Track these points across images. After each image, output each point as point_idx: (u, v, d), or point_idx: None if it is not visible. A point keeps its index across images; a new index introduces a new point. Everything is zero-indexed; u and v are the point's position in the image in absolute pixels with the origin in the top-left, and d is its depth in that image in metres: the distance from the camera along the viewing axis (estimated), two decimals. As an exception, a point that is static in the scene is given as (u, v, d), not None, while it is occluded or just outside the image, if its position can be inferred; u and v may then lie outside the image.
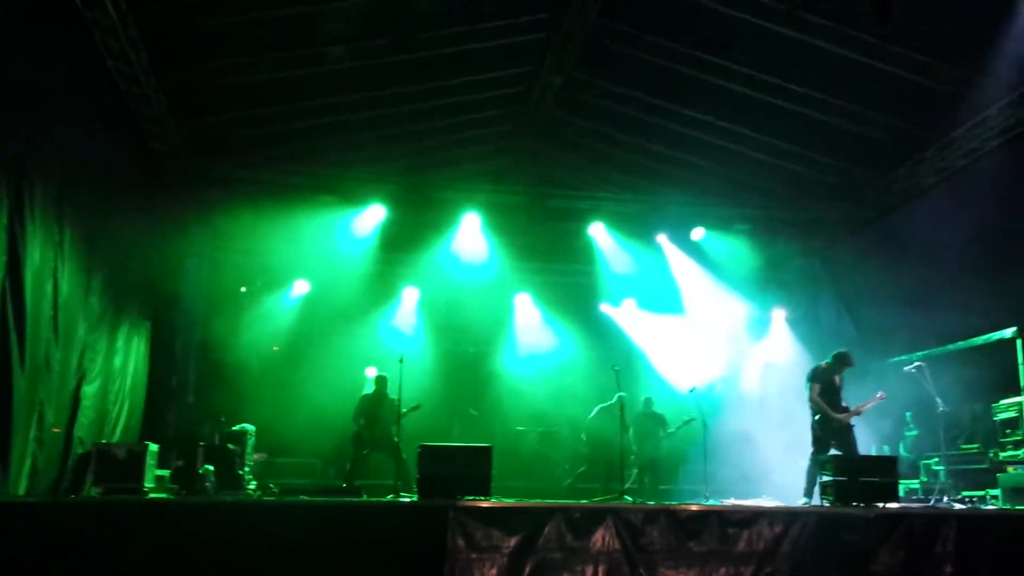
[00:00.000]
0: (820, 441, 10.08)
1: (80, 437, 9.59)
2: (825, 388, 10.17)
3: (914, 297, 12.35)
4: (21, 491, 7.98)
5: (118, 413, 11.12)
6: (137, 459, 8.65)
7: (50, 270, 8.63)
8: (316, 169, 13.68)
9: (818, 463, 9.78)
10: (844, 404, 10.18)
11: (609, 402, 13.53)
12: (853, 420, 10.16)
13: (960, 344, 12.42)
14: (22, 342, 7.84)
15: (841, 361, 10.36)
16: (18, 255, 7.81)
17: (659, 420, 13.45)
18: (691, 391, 12.12)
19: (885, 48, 10.62)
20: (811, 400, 10.18)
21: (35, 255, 8.17)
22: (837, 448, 9.98)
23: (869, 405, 10.28)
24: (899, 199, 13.37)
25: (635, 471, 12.93)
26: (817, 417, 10.14)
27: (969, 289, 11.62)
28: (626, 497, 10.15)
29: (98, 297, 10.25)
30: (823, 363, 10.44)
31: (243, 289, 14.51)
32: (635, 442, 13.10)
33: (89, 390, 9.93)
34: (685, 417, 12.64)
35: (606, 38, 11.67)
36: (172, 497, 9.30)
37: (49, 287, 8.63)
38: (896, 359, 12.89)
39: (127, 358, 11.56)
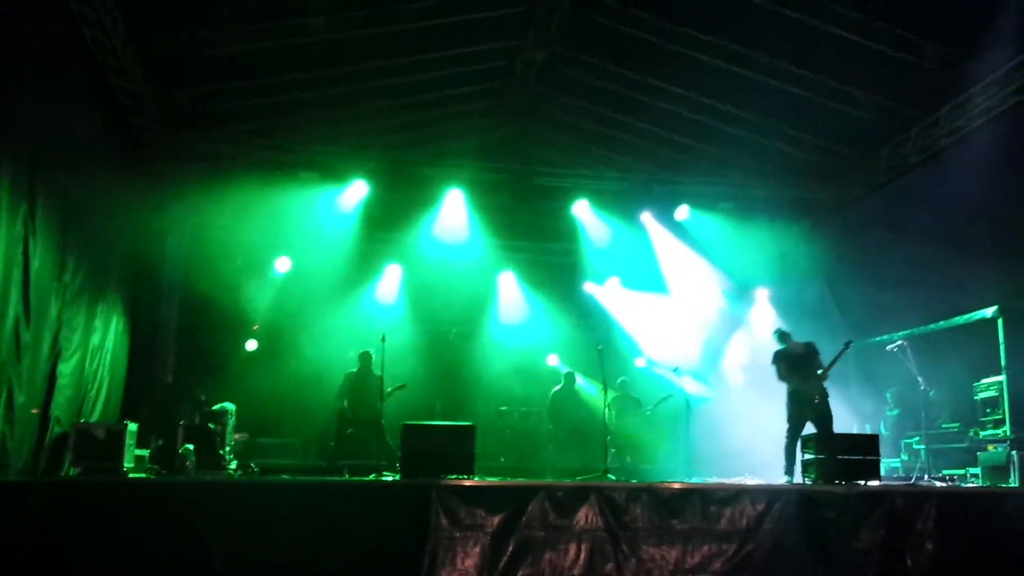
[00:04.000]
0: (793, 417, 10.12)
1: (57, 416, 9.45)
2: (788, 364, 10.30)
3: (897, 277, 12.37)
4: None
5: (96, 392, 10.97)
6: (116, 438, 8.58)
7: (19, 244, 8.44)
8: (296, 145, 13.49)
9: (795, 440, 9.87)
10: (812, 373, 10.16)
11: (558, 385, 13.62)
12: (827, 388, 10.14)
13: (942, 324, 12.46)
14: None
15: (780, 339, 10.60)
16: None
17: (634, 402, 13.53)
18: (675, 370, 12.13)
19: (871, 25, 10.59)
20: (780, 380, 10.31)
21: (1, 229, 7.97)
22: (812, 420, 9.98)
23: (836, 360, 10.16)
24: (883, 178, 13.37)
25: (612, 451, 12.96)
26: (789, 391, 10.22)
27: (951, 269, 11.64)
28: (609, 475, 10.15)
29: (74, 273, 10.06)
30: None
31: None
32: (611, 423, 13.16)
33: (65, 368, 9.77)
34: (664, 393, 12.69)
35: (590, 12, 11.56)
36: (151, 477, 9.23)
37: (19, 262, 8.44)
38: (879, 338, 12.93)
39: (105, 336, 11.40)
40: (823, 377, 10.08)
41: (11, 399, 8.29)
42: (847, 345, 10.23)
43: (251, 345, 14.38)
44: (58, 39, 9.23)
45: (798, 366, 10.24)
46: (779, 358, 10.43)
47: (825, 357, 10.26)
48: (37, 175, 8.72)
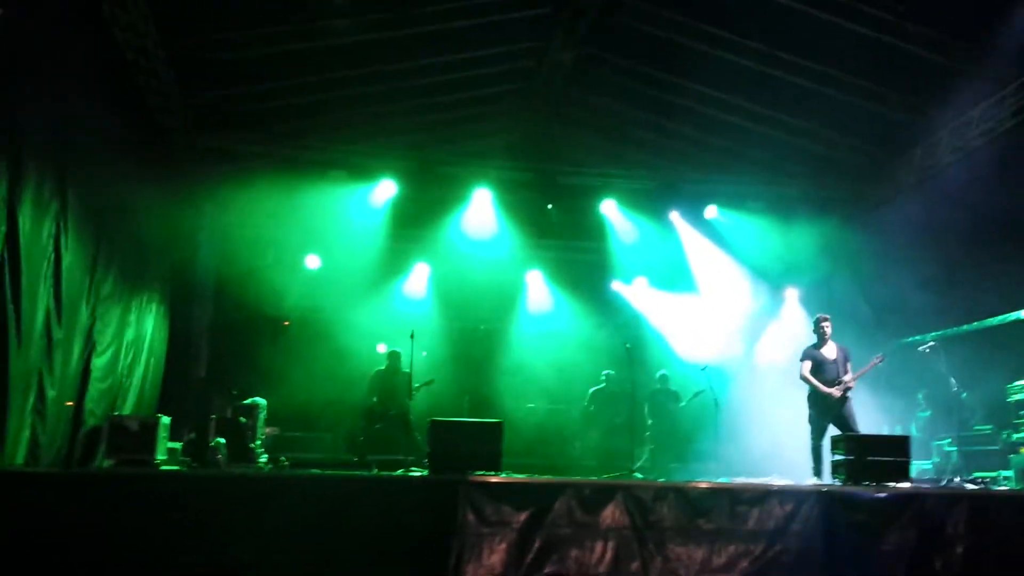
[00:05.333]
0: (813, 419, 9.98)
1: (91, 409, 9.62)
2: (814, 363, 10.07)
3: (929, 277, 12.23)
4: (19, 461, 8.02)
5: (130, 385, 11.16)
6: (149, 431, 8.67)
7: (51, 241, 8.58)
8: (325, 144, 13.64)
9: (819, 441, 9.76)
10: (838, 377, 9.94)
11: (599, 384, 13.69)
12: (852, 394, 9.95)
13: (975, 324, 12.30)
14: (18, 313, 7.82)
15: (815, 328, 10.26)
16: (16, 226, 7.74)
17: (673, 396, 13.55)
18: (703, 368, 12.10)
19: (901, 25, 10.50)
20: (801, 378, 10.09)
21: (28, 225, 8.07)
22: (835, 424, 9.82)
23: (864, 371, 10.03)
24: (914, 178, 13.24)
25: (649, 448, 13.02)
26: (808, 394, 10.06)
27: (985, 269, 11.53)
28: (635, 474, 10.14)
29: (107, 270, 10.23)
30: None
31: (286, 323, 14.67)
32: (650, 418, 13.26)
33: (99, 362, 9.94)
34: (699, 391, 12.67)
35: (618, 13, 11.54)
36: (183, 469, 9.34)
37: (50, 258, 8.59)
38: (910, 339, 12.80)
39: (140, 331, 11.58)
40: (847, 387, 9.93)
41: (42, 393, 8.44)
42: (880, 359, 10.00)
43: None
44: (89, 40, 9.34)
45: (824, 369, 10.03)
46: (804, 356, 10.19)
47: (854, 363, 10.13)
48: (68, 173, 8.84)
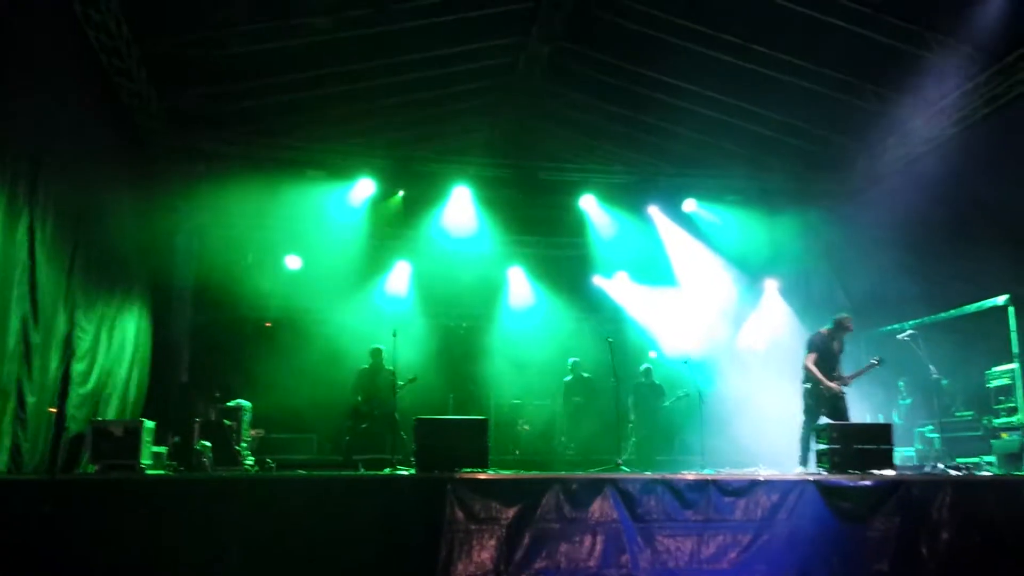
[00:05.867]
0: (810, 410, 10.06)
1: (73, 415, 9.51)
2: (821, 355, 10.10)
3: (906, 266, 12.36)
4: (1, 468, 7.94)
5: (113, 390, 11.05)
6: (133, 436, 8.61)
7: (25, 248, 8.45)
8: (302, 143, 13.56)
9: (812, 431, 9.78)
10: (838, 373, 10.10)
11: (568, 376, 13.84)
12: (845, 389, 10.08)
13: (952, 312, 12.45)
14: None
15: (840, 326, 10.26)
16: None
17: (657, 390, 13.60)
18: (685, 362, 12.15)
19: (876, 18, 10.60)
20: (804, 367, 10.13)
21: (0, 232, 7.97)
22: (828, 417, 9.92)
23: (862, 372, 10.20)
24: (889, 168, 13.36)
25: (633, 440, 13.07)
26: (808, 385, 10.11)
27: (961, 257, 11.65)
28: (622, 467, 10.18)
29: (85, 274, 10.06)
30: (823, 329, 10.38)
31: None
32: (633, 411, 13.31)
33: (79, 367, 9.82)
34: (679, 386, 12.75)
35: (594, 8, 11.56)
36: (169, 473, 9.28)
37: (25, 264, 8.46)
38: (888, 328, 12.93)
39: (121, 335, 11.45)
40: (845, 382, 10.04)
41: (22, 399, 8.33)
42: (877, 362, 10.10)
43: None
44: (61, 40, 9.22)
45: (829, 362, 10.11)
46: (813, 345, 10.19)
47: (844, 356, 10.23)
48: (41, 176, 8.71)
